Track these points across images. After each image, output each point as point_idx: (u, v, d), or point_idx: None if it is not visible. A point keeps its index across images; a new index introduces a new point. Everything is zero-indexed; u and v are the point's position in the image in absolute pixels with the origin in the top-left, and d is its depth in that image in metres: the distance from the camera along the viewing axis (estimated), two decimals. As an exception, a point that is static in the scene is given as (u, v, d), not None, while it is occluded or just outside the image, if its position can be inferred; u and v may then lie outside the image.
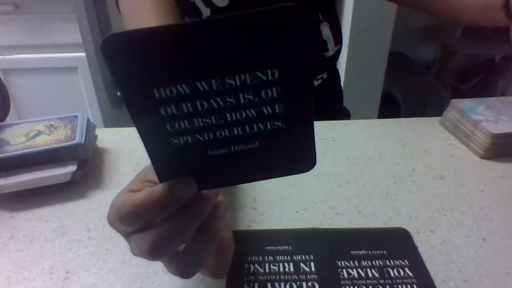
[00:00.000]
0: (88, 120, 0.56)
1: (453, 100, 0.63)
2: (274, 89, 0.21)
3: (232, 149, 0.24)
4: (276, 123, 0.23)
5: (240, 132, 0.23)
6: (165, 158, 0.24)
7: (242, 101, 0.21)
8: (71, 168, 0.49)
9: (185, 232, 0.25)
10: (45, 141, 0.51)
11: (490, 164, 0.55)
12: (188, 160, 0.24)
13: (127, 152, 0.58)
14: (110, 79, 1.46)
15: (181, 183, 0.24)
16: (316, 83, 0.73)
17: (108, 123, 1.59)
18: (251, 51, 0.20)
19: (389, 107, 1.64)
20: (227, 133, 0.23)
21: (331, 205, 0.47)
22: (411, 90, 1.72)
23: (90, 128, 0.55)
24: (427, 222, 0.44)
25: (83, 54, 1.43)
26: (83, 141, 0.51)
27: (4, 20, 1.43)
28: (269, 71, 0.21)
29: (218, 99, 0.21)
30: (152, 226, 0.25)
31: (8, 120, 0.67)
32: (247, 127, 0.23)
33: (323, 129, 0.63)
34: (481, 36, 1.87)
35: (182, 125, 0.22)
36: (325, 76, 0.75)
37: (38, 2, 1.40)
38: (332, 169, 0.54)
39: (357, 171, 0.53)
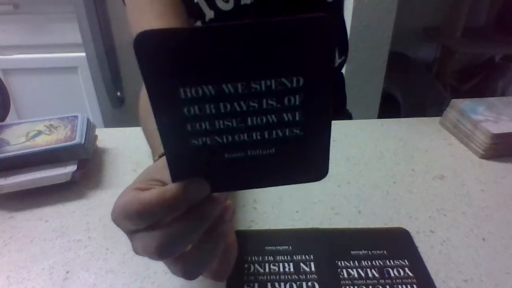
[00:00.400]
0: (88, 120, 0.56)
1: (453, 100, 0.63)
2: (297, 96, 0.22)
3: (249, 153, 0.24)
4: (294, 130, 0.23)
5: (259, 137, 0.23)
6: (181, 157, 0.24)
7: (264, 106, 0.22)
8: (71, 168, 0.49)
9: (194, 233, 0.25)
10: (45, 141, 0.51)
11: (490, 164, 0.55)
12: (204, 161, 0.24)
13: (127, 152, 0.58)
14: (110, 79, 1.46)
15: (194, 183, 0.24)
16: None
17: (108, 123, 1.58)
18: (280, 57, 0.20)
19: (389, 107, 1.63)
20: (245, 137, 0.23)
21: (331, 205, 0.47)
22: (411, 90, 1.71)
23: (90, 128, 0.55)
24: (427, 222, 0.44)
25: (83, 54, 1.42)
26: (83, 141, 0.51)
27: (4, 20, 1.43)
28: (294, 78, 0.21)
29: (241, 102, 0.21)
30: (160, 225, 0.24)
31: (8, 120, 0.67)
32: (266, 132, 0.23)
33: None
34: (481, 36, 1.87)
35: (203, 126, 0.22)
36: None
37: (38, 2, 1.39)
38: (332, 169, 0.54)
39: (357, 171, 0.53)
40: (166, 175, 0.25)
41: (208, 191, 0.25)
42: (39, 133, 0.53)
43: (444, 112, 0.64)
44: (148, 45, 0.19)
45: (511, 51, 1.83)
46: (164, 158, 0.30)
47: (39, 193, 0.48)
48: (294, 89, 0.21)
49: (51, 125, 0.54)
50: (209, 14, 0.61)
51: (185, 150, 0.23)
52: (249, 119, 0.22)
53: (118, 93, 1.51)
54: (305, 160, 0.25)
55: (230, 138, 0.23)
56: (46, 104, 1.57)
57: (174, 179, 0.24)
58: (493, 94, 1.85)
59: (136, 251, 0.26)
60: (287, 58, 0.20)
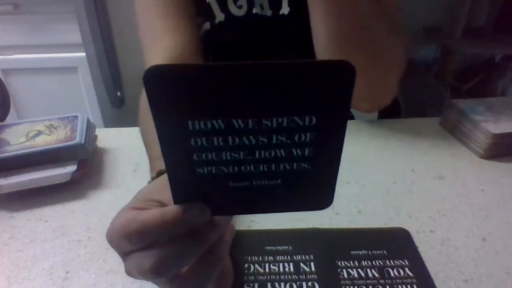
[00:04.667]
0: (88, 120, 0.56)
1: (453, 100, 0.63)
2: (308, 134, 0.21)
3: (254, 183, 0.24)
4: (303, 164, 0.23)
5: (266, 169, 0.23)
6: (184, 183, 0.24)
7: (274, 141, 0.21)
8: (71, 168, 0.49)
9: (191, 255, 0.25)
10: (45, 141, 0.51)
11: (490, 164, 0.55)
12: (208, 188, 0.24)
13: (127, 152, 0.58)
14: (110, 79, 1.46)
15: (195, 208, 0.24)
16: None
17: (108, 123, 1.58)
18: (295, 96, 0.20)
19: (389, 107, 1.64)
20: (252, 169, 0.23)
21: (331, 205, 0.47)
22: (411, 90, 1.71)
23: (90, 128, 0.55)
24: (427, 222, 0.44)
25: (83, 54, 1.42)
26: (83, 141, 0.51)
27: (4, 20, 1.42)
28: (307, 117, 0.21)
29: (251, 137, 0.21)
30: (156, 245, 0.24)
31: (8, 120, 0.67)
32: (273, 165, 0.23)
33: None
34: (481, 36, 1.87)
35: (209, 157, 0.22)
36: None
37: (38, 2, 1.39)
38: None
39: (357, 171, 0.53)
40: (164, 195, 0.25)
41: (208, 217, 0.24)
42: (39, 133, 0.53)
43: (444, 112, 0.64)
44: (158, 80, 0.19)
45: (511, 51, 1.83)
46: (162, 177, 0.29)
47: (39, 193, 0.48)
48: (305, 127, 0.21)
49: (51, 125, 0.54)
50: (220, 16, 0.60)
51: (189, 177, 0.23)
52: (257, 152, 0.22)
53: (118, 93, 1.51)
54: (310, 191, 0.25)
55: (236, 169, 0.23)
56: (46, 104, 1.57)
57: (175, 201, 0.24)
58: (493, 94, 1.85)
59: (130, 273, 0.26)
60: (302, 98, 0.20)
